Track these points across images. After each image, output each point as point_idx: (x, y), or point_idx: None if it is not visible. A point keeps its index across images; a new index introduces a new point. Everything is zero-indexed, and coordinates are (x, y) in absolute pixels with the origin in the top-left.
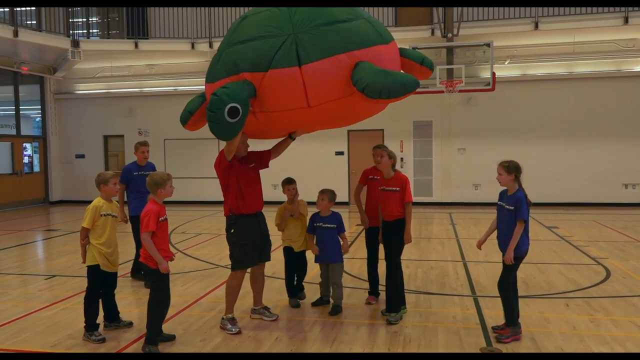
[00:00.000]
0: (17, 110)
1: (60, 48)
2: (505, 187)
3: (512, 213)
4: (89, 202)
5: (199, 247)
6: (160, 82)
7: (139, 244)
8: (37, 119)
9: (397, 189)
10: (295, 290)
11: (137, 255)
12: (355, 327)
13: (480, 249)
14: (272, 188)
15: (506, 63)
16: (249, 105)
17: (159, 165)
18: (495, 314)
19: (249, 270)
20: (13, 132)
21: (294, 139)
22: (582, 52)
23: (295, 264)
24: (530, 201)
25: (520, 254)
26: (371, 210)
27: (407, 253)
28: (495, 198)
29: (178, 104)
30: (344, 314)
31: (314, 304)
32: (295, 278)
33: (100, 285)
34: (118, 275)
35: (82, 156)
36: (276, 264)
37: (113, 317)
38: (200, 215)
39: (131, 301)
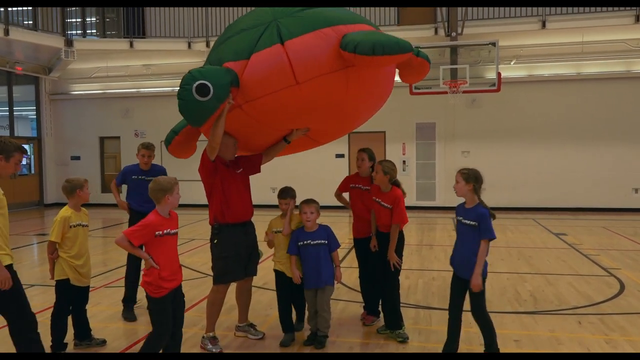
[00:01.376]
0: (11, 110)
1: (53, 47)
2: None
3: (473, 230)
4: (86, 205)
5: (190, 254)
6: (157, 83)
7: (133, 267)
8: (33, 120)
9: (390, 206)
10: (291, 325)
11: (131, 280)
12: (348, 346)
13: None
14: (270, 191)
15: (512, 63)
16: (228, 91)
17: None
18: (502, 334)
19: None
20: (7, 133)
21: (288, 142)
22: (591, 52)
23: (289, 291)
24: (494, 214)
25: (485, 275)
26: (357, 221)
27: (408, 262)
28: (499, 202)
29: (175, 105)
30: (336, 332)
31: (306, 343)
32: (294, 309)
33: (69, 301)
34: (92, 287)
35: (78, 158)
36: (268, 273)
37: (84, 334)
38: (197, 219)
39: (108, 316)
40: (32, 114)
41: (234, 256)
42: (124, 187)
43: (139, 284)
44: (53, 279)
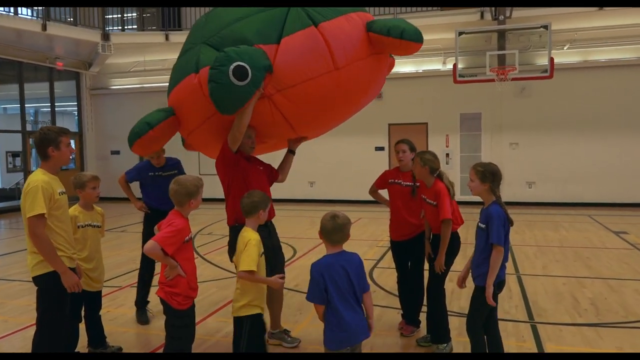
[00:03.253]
0: (53, 106)
1: (92, 42)
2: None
3: (483, 233)
4: (125, 199)
5: (221, 251)
6: None
7: (149, 268)
8: (74, 115)
9: (434, 203)
10: None
11: (145, 282)
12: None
13: (462, 287)
14: (308, 185)
15: (565, 48)
16: (264, 75)
17: (192, 161)
18: (560, 349)
19: None
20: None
21: (294, 153)
22: None
23: None
24: (512, 219)
25: (498, 284)
26: (395, 221)
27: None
28: (551, 197)
29: None
30: (369, 343)
31: None
32: None
33: (80, 307)
34: (118, 287)
35: (118, 152)
36: (300, 274)
37: (98, 341)
38: None
39: (129, 319)
40: (74, 109)
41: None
42: (134, 185)
43: (156, 292)
44: None
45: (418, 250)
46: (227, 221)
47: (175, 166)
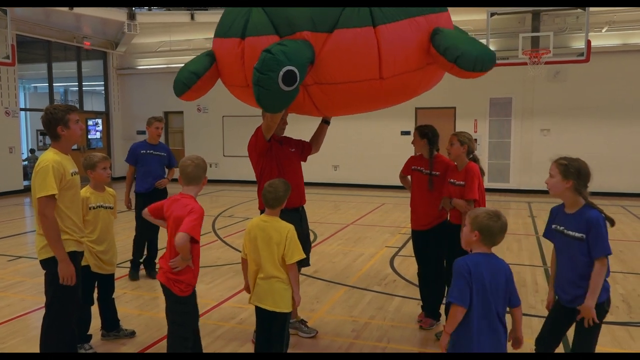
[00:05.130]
0: (80, 85)
1: (118, 21)
2: (561, 201)
3: (580, 244)
4: None
5: (241, 235)
6: None
7: (143, 235)
8: (101, 95)
9: (462, 182)
10: None
11: (139, 248)
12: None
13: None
14: (332, 169)
15: (603, 30)
16: (307, 71)
17: (218, 142)
18: None
19: None
20: (76, 107)
21: (328, 123)
22: None
23: None
24: (612, 219)
25: (603, 297)
26: (414, 210)
27: None
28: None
29: None
30: (387, 336)
31: None
32: None
33: (92, 290)
34: (121, 274)
35: (143, 132)
36: (320, 259)
37: (112, 325)
38: (254, 196)
39: (145, 302)
40: (101, 89)
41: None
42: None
43: (156, 277)
44: None
45: (437, 242)
46: (258, 206)
47: (165, 150)
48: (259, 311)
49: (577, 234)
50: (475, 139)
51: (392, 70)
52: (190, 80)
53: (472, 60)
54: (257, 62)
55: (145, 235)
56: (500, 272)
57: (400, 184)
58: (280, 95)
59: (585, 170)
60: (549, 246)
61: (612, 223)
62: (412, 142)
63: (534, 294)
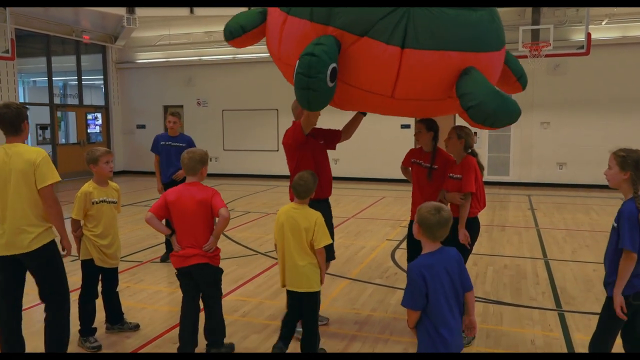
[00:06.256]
0: (80, 80)
1: (117, 15)
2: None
3: (614, 232)
4: (152, 173)
5: (243, 228)
6: (218, 50)
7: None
8: (100, 89)
9: (459, 176)
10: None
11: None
12: (402, 347)
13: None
14: (332, 162)
15: (603, 23)
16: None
17: (217, 136)
18: (588, 340)
19: None
20: (76, 101)
21: (365, 114)
22: None
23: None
24: None
25: (627, 292)
26: (416, 201)
27: (477, 246)
28: (583, 179)
29: (236, 73)
30: (389, 328)
31: None
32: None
33: (96, 283)
34: (139, 262)
35: (143, 126)
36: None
37: (116, 318)
38: (254, 190)
39: (148, 295)
40: (101, 83)
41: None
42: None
43: (191, 262)
44: (80, 258)
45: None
46: (289, 197)
47: (186, 141)
48: (291, 294)
49: (614, 223)
50: (475, 133)
51: (405, 94)
52: (236, 32)
53: (485, 114)
54: (299, 67)
55: None
56: (452, 262)
57: (401, 177)
58: (327, 93)
59: None
60: (548, 238)
61: None
62: (416, 135)
63: (535, 286)
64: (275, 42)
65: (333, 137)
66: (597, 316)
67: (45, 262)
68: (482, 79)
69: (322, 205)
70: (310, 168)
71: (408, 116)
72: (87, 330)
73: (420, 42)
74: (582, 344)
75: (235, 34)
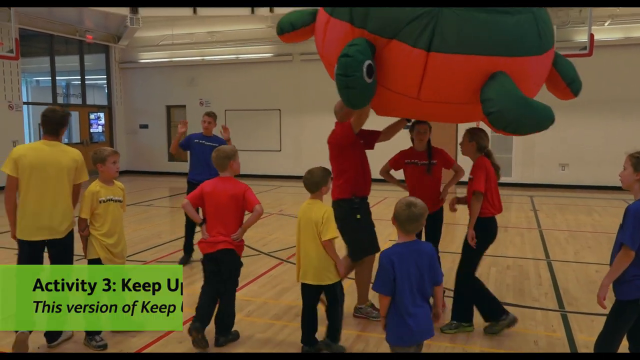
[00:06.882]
0: (83, 79)
1: (120, 15)
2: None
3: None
4: (155, 173)
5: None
6: (221, 50)
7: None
8: (103, 88)
9: (471, 176)
10: None
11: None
12: None
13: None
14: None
15: (606, 24)
16: None
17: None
18: (592, 341)
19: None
20: (79, 101)
21: (409, 121)
22: None
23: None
24: None
25: (632, 295)
26: (419, 197)
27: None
28: (585, 180)
29: (239, 73)
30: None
31: None
32: None
33: None
34: (143, 262)
35: (146, 126)
36: None
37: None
38: (257, 190)
39: None
40: (104, 83)
41: (374, 228)
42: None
43: (219, 247)
44: (86, 258)
45: (434, 227)
46: (332, 195)
47: (218, 142)
48: (305, 288)
49: (621, 222)
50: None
51: (431, 96)
52: (286, 28)
53: (505, 121)
54: (338, 69)
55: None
56: (423, 256)
57: (403, 178)
58: (366, 89)
59: None
60: (551, 239)
61: None
62: (422, 135)
63: (537, 286)
64: (320, 42)
65: (372, 138)
66: (600, 317)
67: (68, 249)
68: (508, 84)
69: (363, 203)
70: (356, 166)
71: (439, 120)
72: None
73: (447, 45)
74: (585, 345)
75: (285, 30)
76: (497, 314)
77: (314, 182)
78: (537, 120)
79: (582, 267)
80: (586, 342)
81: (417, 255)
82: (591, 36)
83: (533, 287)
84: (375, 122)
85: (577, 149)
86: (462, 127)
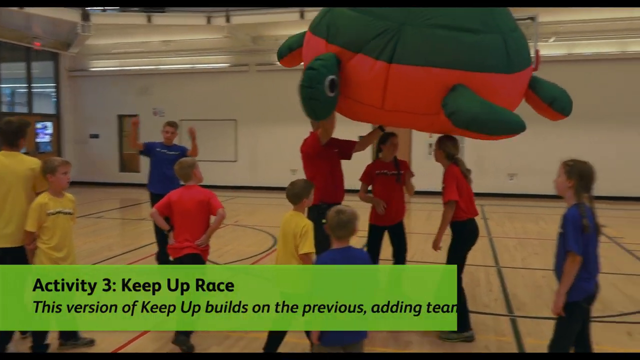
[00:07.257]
0: (29, 87)
1: (70, 22)
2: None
3: (561, 238)
4: (106, 184)
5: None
6: (176, 60)
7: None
8: (51, 97)
9: (444, 185)
10: None
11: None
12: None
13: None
14: (290, 173)
15: (551, 40)
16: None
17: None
18: (539, 344)
19: None
20: (25, 110)
21: (384, 131)
22: (638, 29)
23: None
24: (598, 224)
25: (578, 297)
26: (391, 206)
27: (431, 255)
28: (533, 189)
29: (194, 83)
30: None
31: None
32: None
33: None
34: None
35: (97, 136)
36: None
37: (69, 333)
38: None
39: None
40: (52, 91)
41: None
42: (144, 173)
43: (186, 251)
44: None
45: (400, 234)
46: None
47: (180, 151)
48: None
49: (560, 230)
50: (431, 144)
51: (394, 106)
52: (284, 52)
53: (465, 118)
54: (302, 80)
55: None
56: (357, 262)
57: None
58: (327, 102)
59: (588, 172)
60: (500, 247)
61: (597, 230)
62: (393, 147)
63: (488, 293)
64: (304, 57)
65: (348, 147)
66: (546, 321)
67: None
68: (468, 93)
69: (330, 208)
70: (326, 175)
71: (404, 127)
72: (39, 346)
73: (407, 57)
74: (532, 348)
75: (283, 54)
76: (464, 325)
77: (295, 193)
78: (501, 120)
79: (529, 272)
80: (533, 346)
81: (351, 262)
82: (537, 52)
83: (484, 293)
84: (351, 130)
85: (524, 159)
86: (416, 134)
